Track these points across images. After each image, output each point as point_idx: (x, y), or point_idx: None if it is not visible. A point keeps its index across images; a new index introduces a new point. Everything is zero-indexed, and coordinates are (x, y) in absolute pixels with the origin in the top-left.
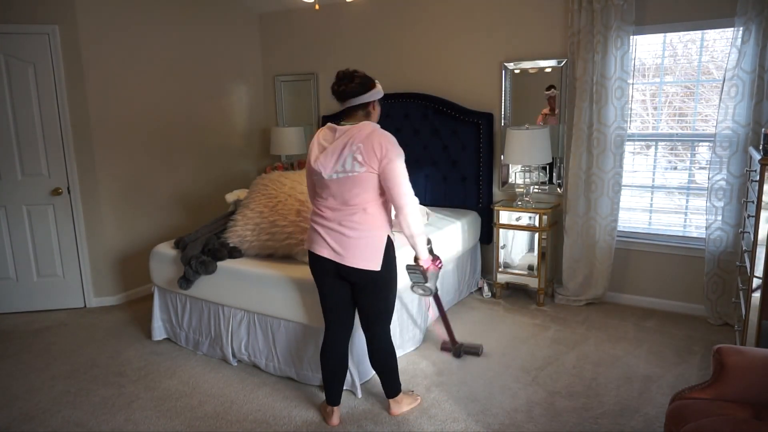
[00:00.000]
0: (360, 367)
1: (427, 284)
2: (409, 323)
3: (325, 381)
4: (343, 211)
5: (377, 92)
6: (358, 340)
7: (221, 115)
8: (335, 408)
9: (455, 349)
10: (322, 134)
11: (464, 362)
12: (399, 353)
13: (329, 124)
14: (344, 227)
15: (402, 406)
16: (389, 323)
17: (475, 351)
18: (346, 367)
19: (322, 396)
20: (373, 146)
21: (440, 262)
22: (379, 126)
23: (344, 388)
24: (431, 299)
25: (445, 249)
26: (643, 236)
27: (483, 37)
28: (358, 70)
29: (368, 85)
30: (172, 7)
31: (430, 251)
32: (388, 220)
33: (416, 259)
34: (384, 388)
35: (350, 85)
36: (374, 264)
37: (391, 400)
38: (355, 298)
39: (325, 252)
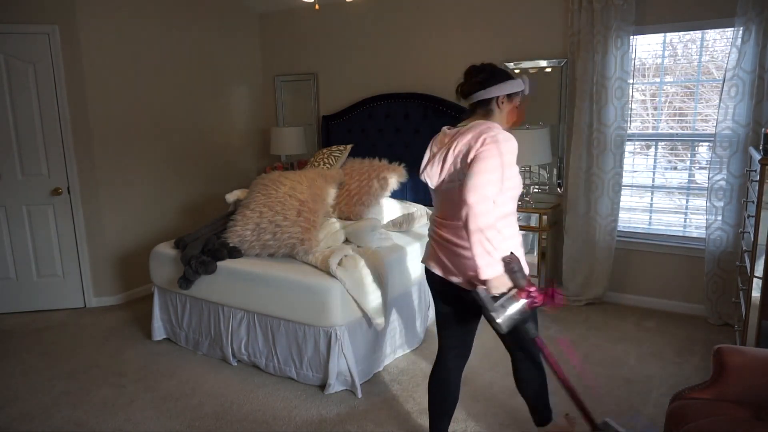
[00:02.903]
0: (360, 367)
1: (492, 313)
2: (409, 323)
3: (429, 411)
4: (452, 225)
5: (504, 86)
6: (361, 338)
7: (221, 115)
8: None
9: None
10: (437, 139)
11: None
12: (399, 353)
13: (444, 127)
14: (452, 242)
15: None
16: (534, 349)
17: None
18: (454, 400)
19: (322, 396)
20: (472, 143)
21: (535, 295)
22: (499, 127)
23: (344, 388)
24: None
25: None
26: (643, 236)
27: (483, 37)
28: (492, 63)
29: (492, 78)
30: (172, 6)
31: (512, 273)
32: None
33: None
34: (531, 414)
35: (471, 80)
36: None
37: (541, 428)
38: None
39: (433, 266)
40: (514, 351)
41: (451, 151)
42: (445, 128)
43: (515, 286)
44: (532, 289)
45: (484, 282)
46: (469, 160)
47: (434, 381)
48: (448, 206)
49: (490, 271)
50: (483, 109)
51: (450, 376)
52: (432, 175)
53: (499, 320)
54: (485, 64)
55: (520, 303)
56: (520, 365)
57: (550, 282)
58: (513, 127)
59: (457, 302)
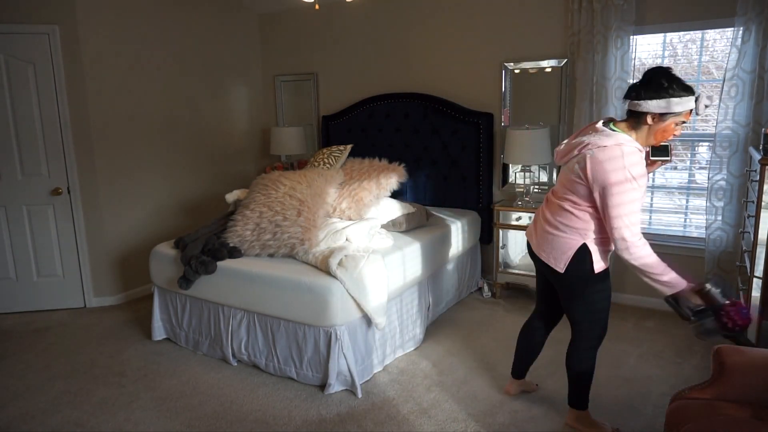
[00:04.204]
0: (360, 367)
1: (686, 319)
2: (409, 323)
3: (515, 354)
4: (554, 203)
5: (666, 104)
6: (361, 338)
7: (221, 114)
8: (516, 380)
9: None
10: (587, 128)
11: (464, 362)
12: (399, 353)
13: (600, 122)
14: (547, 220)
15: (577, 423)
16: (587, 338)
17: None
18: (535, 353)
19: (322, 396)
20: (589, 169)
21: (743, 313)
22: (629, 145)
23: (344, 388)
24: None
25: (446, 249)
26: (642, 236)
27: (483, 37)
28: (671, 71)
29: (658, 92)
30: (172, 6)
31: (710, 291)
32: (596, 231)
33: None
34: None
35: (642, 84)
36: (559, 265)
37: (570, 409)
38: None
39: (529, 236)
40: (572, 329)
41: (578, 149)
42: (600, 123)
43: (711, 303)
44: (733, 312)
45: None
46: (595, 189)
47: (523, 331)
48: (558, 184)
49: (666, 289)
50: (635, 119)
51: (534, 332)
52: (558, 151)
53: (690, 326)
54: (668, 70)
55: (714, 321)
56: (570, 345)
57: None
58: (658, 143)
59: (543, 273)
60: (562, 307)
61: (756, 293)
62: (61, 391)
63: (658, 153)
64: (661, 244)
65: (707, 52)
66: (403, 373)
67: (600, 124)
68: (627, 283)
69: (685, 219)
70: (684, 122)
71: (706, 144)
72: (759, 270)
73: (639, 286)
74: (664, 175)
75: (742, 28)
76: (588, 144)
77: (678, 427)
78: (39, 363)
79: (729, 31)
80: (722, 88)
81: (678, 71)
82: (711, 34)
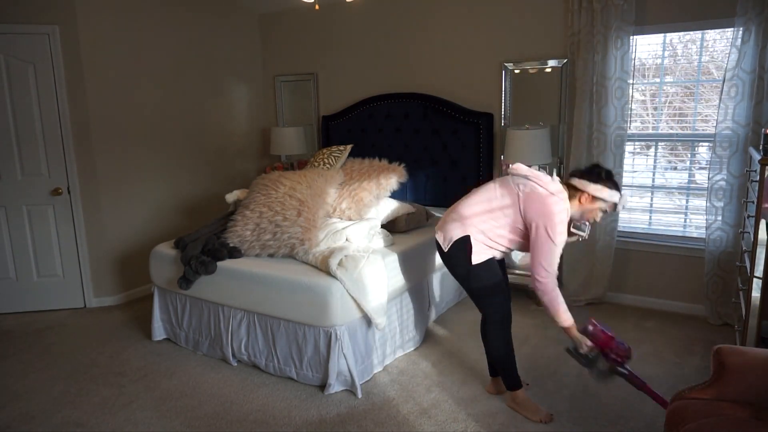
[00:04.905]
0: (360, 367)
1: (588, 370)
2: (409, 323)
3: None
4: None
5: (595, 189)
6: (361, 338)
7: (221, 115)
8: (494, 378)
9: None
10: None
11: (464, 362)
12: (399, 353)
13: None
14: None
15: (513, 404)
16: (489, 315)
17: None
18: (486, 346)
19: (322, 396)
20: (529, 204)
21: (623, 347)
22: (563, 199)
23: (344, 388)
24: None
25: None
26: (643, 236)
27: (483, 37)
28: (611, 173)
29: (593, 175)
30: (172, 7)
31: (590, 334)
32: (488, 233)
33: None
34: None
35: (590, 169)
36: (444, 243)
37: (507, 392)
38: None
39: None
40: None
41: (514, 180)
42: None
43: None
44: (614, 346)
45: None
46: (528, 221)
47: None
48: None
49: (565, 323)
50: (570, 190)
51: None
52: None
53: (593, 376)
54: (598, 167)
55: (604, 362)
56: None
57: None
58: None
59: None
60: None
61: (756, 293)
62: (61, 391)
63: (578, 228)
64: (661, 244)
65: (707, 52)
66: (403, 373)
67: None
68: (627, 283)
69: (685, 219)
70: (605, 212)
71: (706, 144)
72: (759, 270)
73: (639, 286)
74: (664, 175)
75: (742, 29)
76: (535, 179)
77: (678, 427)
78: (39, 363)
79: (729, 32)
80: (722, 88)
81: (678, 71)
82: (711, 34)
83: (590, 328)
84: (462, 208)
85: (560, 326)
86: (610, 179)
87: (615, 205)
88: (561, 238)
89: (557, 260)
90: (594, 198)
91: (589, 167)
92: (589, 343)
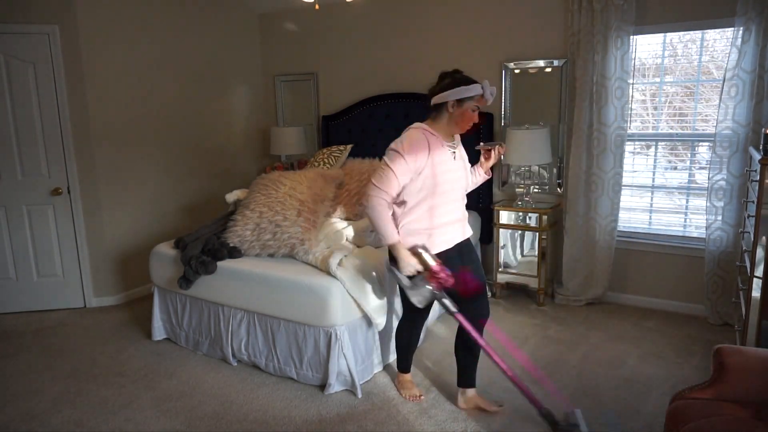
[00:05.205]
0: (360, 367)
1: (409, 291)
2: None
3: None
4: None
5: (453, 93)
6: (361, 338)
7: (221, 114)
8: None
9: (544, 417)
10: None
11: None
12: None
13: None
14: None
15: (468, 402)
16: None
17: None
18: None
19: (322, 396)
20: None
21: (443, 278)
22: (419, 126)
23: (344, 388)
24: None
25: None
26: (643, 236)
27: (483, 37)
28: (459, 70)
29: (444, 84)
30: (172, 7)
31: (423, 258)
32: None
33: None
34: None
35: (437, 84)
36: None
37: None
38: None
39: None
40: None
41: None
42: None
43: (424, 268)
44: (442, 273)
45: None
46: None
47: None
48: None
49: (388, 240)
50: (433, 112)
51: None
52: None
53: (412, 298)
54: (455, 70)
55: (425, 281)
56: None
57: (464, 268)
58: (464, 132)
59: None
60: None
61: (756, 293)
62: (61, 391)
63: (487, 145)
64: (661, 244)
65: (707, 52)
66: None
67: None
68: (627, 283)
69: (685, 219)
70: (478, 108)
71: (706, 144)
72: (759, 270)
73: (639, 286)
74: (664, 175)
75: (742, 28)
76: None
77: (678, 427)
78: (39, 363)
79: (729, 31)
80: (722, 88)
81: (678, 71)
82: (711, 34)
83: (420, 251)
84: None
85: (386, 243)
86: (461, 76)
87: (482, 96)
88: (397, 163)
89: (391, 183)
90: (457, 102)
91: (437, 80)
92: (415, 264)
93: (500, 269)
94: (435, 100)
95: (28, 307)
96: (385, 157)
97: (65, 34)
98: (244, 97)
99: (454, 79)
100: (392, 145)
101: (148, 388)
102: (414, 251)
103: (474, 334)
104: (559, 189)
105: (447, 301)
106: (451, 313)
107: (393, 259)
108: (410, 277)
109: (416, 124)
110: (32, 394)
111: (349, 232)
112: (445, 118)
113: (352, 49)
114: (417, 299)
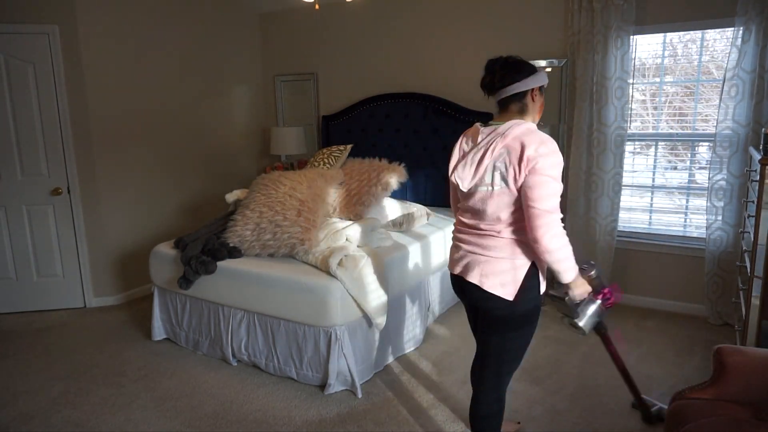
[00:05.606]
0: (360, 367)
1: (576, 320)
2: (409, 323)
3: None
4: (480, 226)
5: (537, 78)
6: (361, 338)
7: (221, 115)
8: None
9: (642, 410)
10: (467, 137)
11: (464, 362)
12: (399, 353)
13: (477, 123)
14: (480, 246)
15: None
16: (503, 375)
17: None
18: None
19: (322, 396)
20: (522, 153)
21: (610, 296)
22: (535, 126)
23: (344, 388)
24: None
25: (446, 250)
26: (643, 236)
27: (483, 37)
28: (512, 55)
29: (524, 69)
30: (172, 7)
31: (596, 282)
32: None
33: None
34: None
35: (500, 73)
36: (507, 291)
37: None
38: (479, 332)
39: (456, 269)
40: (478, 386)
41: (489, 152)
42: (478, 125)
43: (593, 290)
44: (606, 290)
45: (564, 287)
46: (522, 168)
47: (471, 411)
48: (477, 211)
49: (571, 275)
50: (518, 104)
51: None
52: (464, 177)
53: (581, 324)
54: (510, 55)
55: (596, 304)
56: (481, 398)
57: (611, 282)
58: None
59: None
60: (483, 343)
61: (756, 293)
62: (61, 391)
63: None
64: (661, 244)
65: (707, 52)
66: (404, 373)
67: (487, 126)
68: (627, 283)
69: (686, 219)
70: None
71: (707, 144)
72: (759, 270)
73: (639, 286)
74: (664, 175)
75: (742, 28)
76: (498, 142)
77: (678, 427)
78: (39, 363)
79: (729, 31)
80: (722, 88)
81: (678, 71)
82: (711, 34)
83: (594, 275)
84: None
85: (569, 279)
86: (526, 63)
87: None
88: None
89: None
90: (540, 88)
91: (500, 68)
92: (587, 287)
93: None
94: (519, 87)
95: (28, 307)
96: (548, 171)
97: (65, 34)
98: (245, 96)
99: (523, 64)
100: (543, 150)
101: (148, 388)
102: (581, 269)
103: (617, 354)
104: None
105: (603, 323)
106: (605, 334)
107: (554, 284)
108: (578, 305)
109: (528, 123)
110: (32, 394)
111: (349, 232)
112: (531, 109)
113: (352, 49)
114: (590, 322)
